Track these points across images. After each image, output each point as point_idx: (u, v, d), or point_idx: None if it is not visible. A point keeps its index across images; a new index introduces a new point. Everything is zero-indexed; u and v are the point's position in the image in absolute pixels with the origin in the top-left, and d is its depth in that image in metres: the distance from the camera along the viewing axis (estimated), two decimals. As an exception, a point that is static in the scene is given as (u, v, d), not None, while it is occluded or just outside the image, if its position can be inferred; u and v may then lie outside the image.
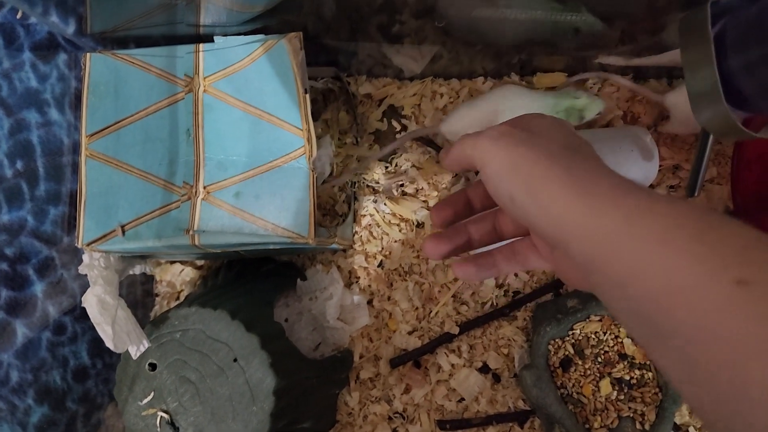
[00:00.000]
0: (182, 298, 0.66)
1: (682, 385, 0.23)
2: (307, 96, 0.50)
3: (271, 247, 0.52)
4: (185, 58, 0.52)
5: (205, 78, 0.52)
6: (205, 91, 0.52)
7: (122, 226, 0.51)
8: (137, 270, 0.58)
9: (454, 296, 0.63)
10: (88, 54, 0.53)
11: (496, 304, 0.64)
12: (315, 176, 0.50)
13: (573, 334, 0.59)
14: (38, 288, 0.53)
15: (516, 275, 0.63)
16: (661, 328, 0.23)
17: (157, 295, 0.67)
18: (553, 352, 0.59)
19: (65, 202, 0.54)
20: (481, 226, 0.38)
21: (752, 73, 0.40)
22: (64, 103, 0.54)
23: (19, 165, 0.52)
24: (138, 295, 0.65)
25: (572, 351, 0.59)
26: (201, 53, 0.52)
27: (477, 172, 0.58)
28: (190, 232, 0.49)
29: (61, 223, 0.54)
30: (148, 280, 0.66)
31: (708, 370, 0.21)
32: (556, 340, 0.59)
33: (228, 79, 0.51)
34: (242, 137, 0.51)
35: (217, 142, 0.51)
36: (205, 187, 0.50)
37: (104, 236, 0.51)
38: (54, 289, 0.54)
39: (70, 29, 0.51)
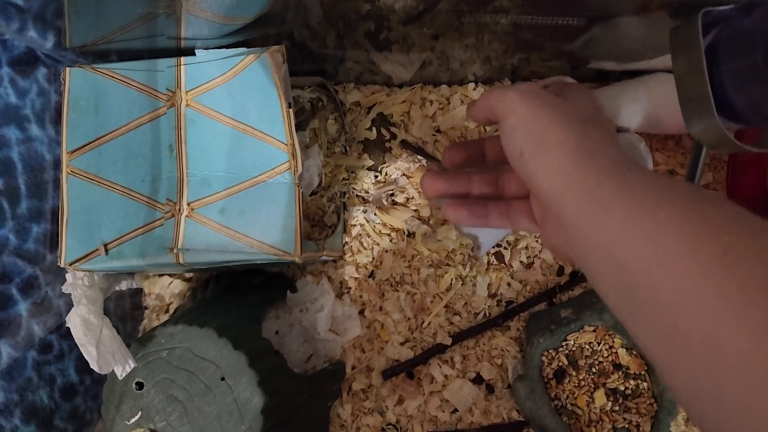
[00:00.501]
0: (171, 310, 0.65)
1: (661, 360, 0.23)
2: (291, 111, 0.49)
3: (259, 261, 0.51)
4: (167, 72, 0.51)
5: (187, 92, 0.51)
6: (187, 105, 0.50)
7: (105, 245, 0.50)
8: (123, 286, 0.57)
9: (446, 306, 0.63)
10: (67, 69, 0.52)
11: (489, 314, 0.63)
12: (300, 191, 0.49)
13: (567, 344, 0.58)
14: (22, 307, 0.52)
15: (509, 285, 0.63)
16: (643, 298, 0.23)
17: (145, 308, 0.66)
18: (546, 363, 0.58)
19: (48, 219, 0.53)
20: (484, 178, 0.38)
21: (744, 86, 0.39)
22: (45, 119, 0.53)
23: (-1, 183, 0.51)
24: (126, 308, 0.64)
25: (566, 362, 0.58)
26: (183, 67, 0.51)
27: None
28: (174, 251, 0.49)
29: (44, 240, 0.53)
30: (137, 292, 0.65)
31: (684, 340, 0.21)
32: (550, 351, 0.58)
33: (210, 93, 0.50)
34: (226, 152, 0.50)
35: (201, 157, 0.50)
36: (189, 204, 0.49)
37: (87, 255, 0.50)
38: (38, 308, 0.53)
39: (49, 44, 0.50)
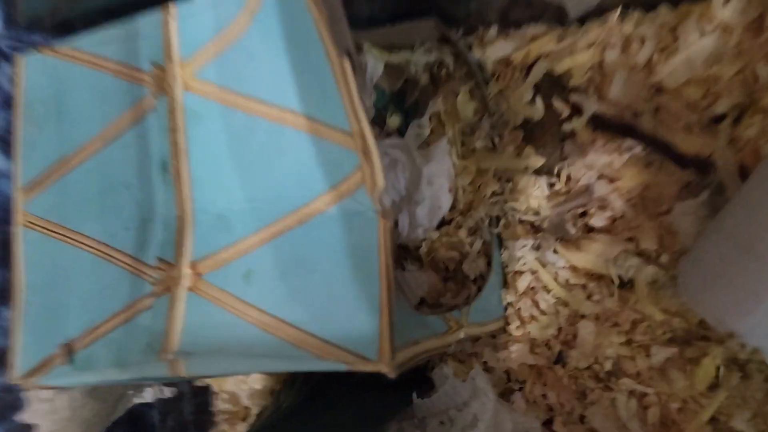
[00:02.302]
0: (251, 416, 0.44)
1: None
2: (346, 61, 0.24)
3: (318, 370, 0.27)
4: (151, 38, 0.30)
5: (183, 65, 0.28)
6: (186, 87, 0.29)
7: (69, 346, 0.29)
8: (148, 396, 0.36)
9: (713, 420, 0.34)
10: (21, 57, 0.33)
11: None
12: (387, 226, 0.24)
13: None
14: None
15: None
16: None
17: (216, 413, 0.45)
18: None
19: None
20: None
21: None
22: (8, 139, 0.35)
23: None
24: (185, 415, 0.44)
25: None
26: (173, 23, 0.29)
27: None
28: (168, 356, 0.26)
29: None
30: (203, 390, 0.45)
31: None
32: None
33: (219, 60, 0.29)
34: (255, 165, 0.27)
35: (213, 179, 0.28)
36: (193, 265, 0.27)
37: (45, 364, 0.29)
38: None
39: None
